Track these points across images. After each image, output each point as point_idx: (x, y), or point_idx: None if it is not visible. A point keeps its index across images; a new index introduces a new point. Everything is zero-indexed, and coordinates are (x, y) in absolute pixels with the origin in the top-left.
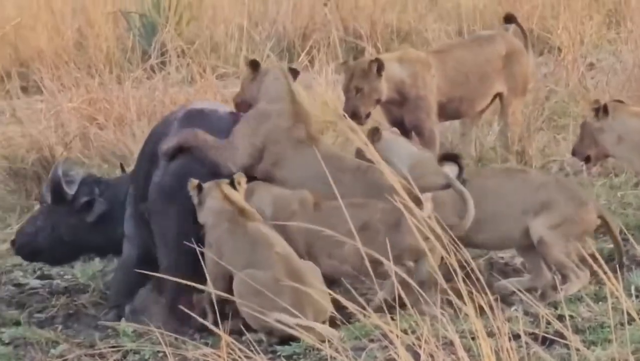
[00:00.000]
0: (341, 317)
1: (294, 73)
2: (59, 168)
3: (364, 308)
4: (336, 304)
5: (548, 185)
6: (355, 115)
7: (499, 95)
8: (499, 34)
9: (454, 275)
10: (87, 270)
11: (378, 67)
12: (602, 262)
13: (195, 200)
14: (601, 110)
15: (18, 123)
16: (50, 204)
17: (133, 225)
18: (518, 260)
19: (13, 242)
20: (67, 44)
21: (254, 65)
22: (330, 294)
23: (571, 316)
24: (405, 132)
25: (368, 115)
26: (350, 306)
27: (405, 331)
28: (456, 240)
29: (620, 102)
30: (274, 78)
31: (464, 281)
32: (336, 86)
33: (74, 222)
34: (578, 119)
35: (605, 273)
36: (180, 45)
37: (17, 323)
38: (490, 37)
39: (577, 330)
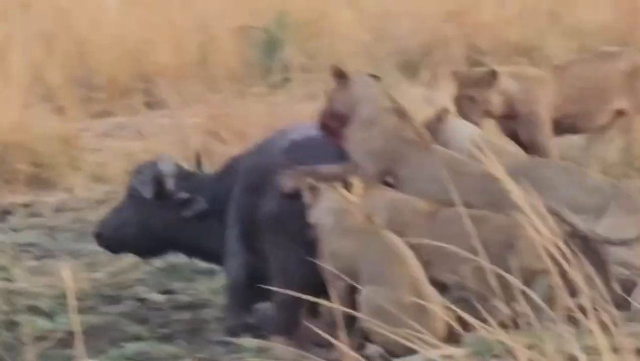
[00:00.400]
0: (464, 332)
1: (376, 79)
2: (160, 164)
3: (487, 323)
4: (460, 318)
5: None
6: None
7: (621, 111)
8: (624, 51)
9: (577, 291)
10: (210, 285)
11: (492, 78)
12: None
13: (308, 200)
14: None
15: (140, 139)
16: (141, 197)
17: (239, 246)
18: None
19: (97, 234)
20: (189, 59)
21: (342, 75)
22: (453, 309)
23: None
24: (521, 147)
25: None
26: (474, 322)
27: (529, 347)
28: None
29: None
30: (366, 82)
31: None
32: None
33: (166, 216)
34: None
35: None
36: (303, 61)
37: (140, 338)
38: (613, 53)
39: None
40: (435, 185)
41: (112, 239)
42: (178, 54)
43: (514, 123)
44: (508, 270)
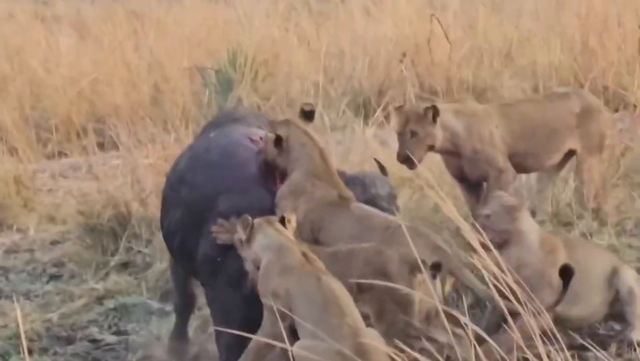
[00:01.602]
0: None
1: (309, 115)
2: None
3: None
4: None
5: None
6: (407, 160)
7: (573, 151)
8: (574, 92)
9: (532, 334)
10: (162, 325)
11: (433, 113)
12: None
13: (243, 236)
14: None
15: (94, 179)
16: None
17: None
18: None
19: None
20: (143, 100)
21: (278, 141)
22: (405, 351)
23: None
24: (470, 184)
25: (420, 161)
26: None
27: None
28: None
29: None
30: (301, 144)
31: (541, 339)
32: None
33: None
34: None
35: None
36: (257, 101)
37: None
38: (564, 94)
39: None
40: (352, 243)
41: None
42: (131, 95)
43: (458, 160)
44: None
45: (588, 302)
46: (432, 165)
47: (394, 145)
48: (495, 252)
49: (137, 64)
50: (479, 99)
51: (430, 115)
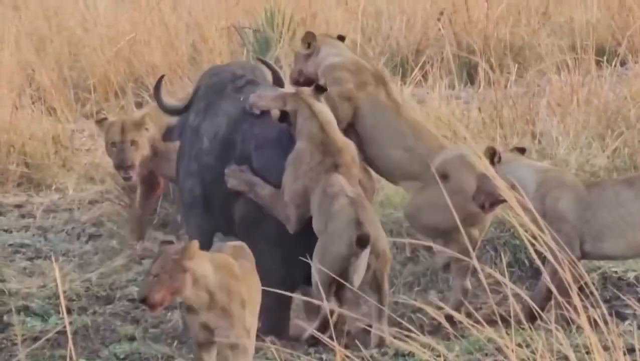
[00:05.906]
0: (454, 331)
1: (320, 89)
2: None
3: (478, 321)
4: (449, 317)
5: None
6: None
7: None
8: None
9: (569, 289)
10: None
11: (142, 122)
12: None
13: None
14: None
15: None
16: None
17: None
18: (632, 274)
19: None
20: (181, 59)
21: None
22: (443, 308)
23: None
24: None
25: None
26: (464, 320)
27: (519, 345)
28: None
29: None
30: (305, 117)
31: (577, 295)
32: (450, 101)
33: None
34: None
35: None
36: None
37: (132, 339)
38: None
39: None
40: None
41: None
42: (169, 54)
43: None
44: None
45: (621, 238)
46: (470, 124)
47: (432, 103)
48: (532, 208)
49: (175, 24)
50: (516, 57)
51: (140, 122)
